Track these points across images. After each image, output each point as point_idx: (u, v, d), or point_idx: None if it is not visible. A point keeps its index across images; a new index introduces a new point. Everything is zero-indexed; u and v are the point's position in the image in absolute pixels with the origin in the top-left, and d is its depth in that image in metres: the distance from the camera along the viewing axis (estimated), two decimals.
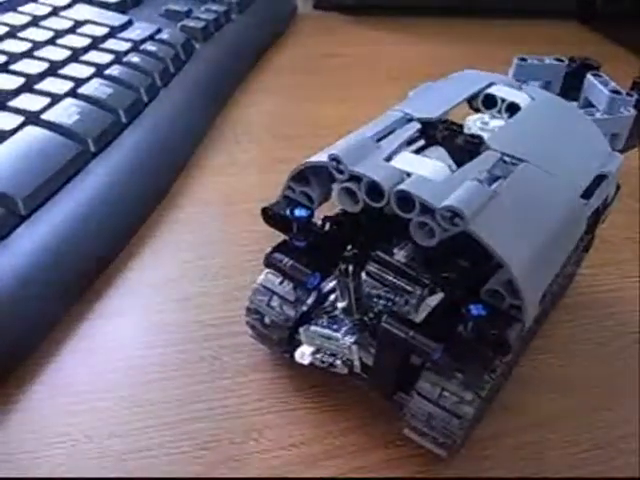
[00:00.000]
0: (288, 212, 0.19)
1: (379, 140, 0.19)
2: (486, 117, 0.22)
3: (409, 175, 0.17)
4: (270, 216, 0.20)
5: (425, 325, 0.18)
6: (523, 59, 0.29)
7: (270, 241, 0.19)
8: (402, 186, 0.16)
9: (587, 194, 0.20)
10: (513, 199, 0.18)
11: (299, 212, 0.19)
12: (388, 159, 0.18)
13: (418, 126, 0.20)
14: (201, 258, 0.27)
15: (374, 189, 0.17)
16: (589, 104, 0.27)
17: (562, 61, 0.29)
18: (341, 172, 0.18)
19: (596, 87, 0.27)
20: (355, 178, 0.17)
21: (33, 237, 0.23)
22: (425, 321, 0.18)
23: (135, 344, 0.23)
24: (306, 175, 0.19)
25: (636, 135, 0.29)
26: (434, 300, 0.20)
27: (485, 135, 0.20)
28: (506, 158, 0.19)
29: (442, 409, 0.18)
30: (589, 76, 0.27)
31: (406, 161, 0.18)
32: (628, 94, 0.27)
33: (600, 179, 0.21)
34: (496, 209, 0.17)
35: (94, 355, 0.22)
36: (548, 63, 0.29)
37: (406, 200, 0.17)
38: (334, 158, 0.17)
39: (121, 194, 0.27)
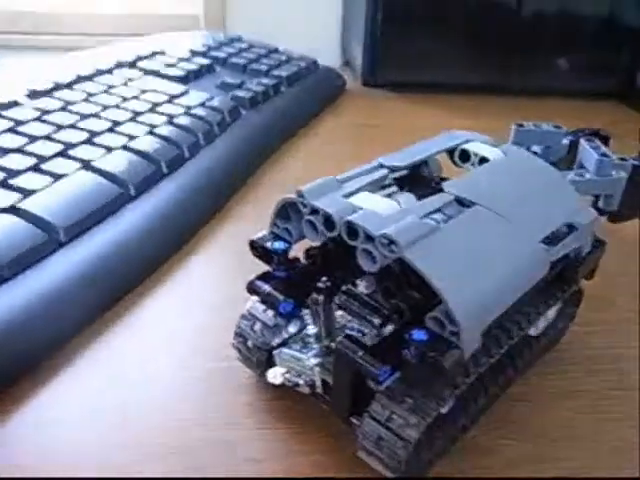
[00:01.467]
0: (269, 245, 0.22)
1: (345, 182, 0.21)
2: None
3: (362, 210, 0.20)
4: (255, 248, 0.22)
5: (375, 348, 0.19)
6: (520, 125, 0.31)
7: None
8: (349, 217, 0.19)
9: (551, 241, 0.22)
10: (460, 236, 0.19)
11: (278, 245, 0.22)
12: (347, 196, 0.20)
13: (385, 172, 0.22)
14: (216, 290, 0.30)
15: (329, 221, 0.19)
16: (581, 167, 0.29)
17: (560, 128, 0.31)
18: (305, 206, 0.20)
19: (587, 151, 0.28)
20: (315, 211, 0.20)
21: (69, 261, 0.27)
22: (376, 345, 0.19)
23: (147, 357, 0.26)
24: (288, 213, 0.22)
25: (637, 206, 0.29)
26: (390, 329, 0.21)
27: None
28: (461, 200, 0.21)
29: (389, 431, 0.19)
30: (582, 141, 0.29)
31: (363, 199, 0.20)
32: (622, 159, 0.28)
33: (570, 229, 0.22)
34: (438, 242, 0.19)
35: (111, 366, 0.25)
36: (545, 129, 0.31)
37: (354, 230, 0.19)
38: (300, 195, 0.20)
39: (151, 233, 0.31)
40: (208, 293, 0.30)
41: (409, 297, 0.20)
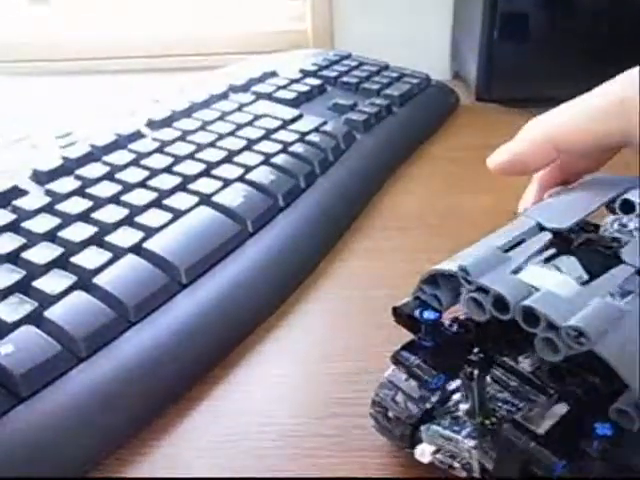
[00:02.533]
0: (417, 313, 0.20)
1: (508, 250, 0.19)
2: (624, 219, 0.21)
3: (536, 289, 0.17)
4: (400, 315, 0.20)
5: (548, 438, 0.17)
6: None
7: (399, 329, 0.20)
8: (528, 302, 0.17)
9: None
10: None
11: (428, 314, 0.19)
12: (516, 272, 0.18)
13: (549, 236, 0.20)
14: (334, 338, 0.28)
15: (500, 302, 0.17)
16: None
17: None
18: (469, 282, 0.18)
19: None
20: (482, 289, 0.18)
21: (191, 303, 0.27)
22: (548, 433, 0.17)
23: (256, 413, 0.25)
24: (436, 279, 0.20)
25: None
26: (559, 410, 0.19)
27: (622, 238, 0.19)
28: None
29: None
30: None
31: (534, 275, 0.18)
32: None
33: None
34: (625, 328, 0.16)
35: (223, 415, 0.24)
36: None
37: (532, 315, 0.17)
38: (463, 269, 0.18)
39: (269, 271, 0.30)
40: (325, 340, 0.29)
41: (586, 381, 0.17)
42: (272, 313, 0.30)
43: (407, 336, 0.21)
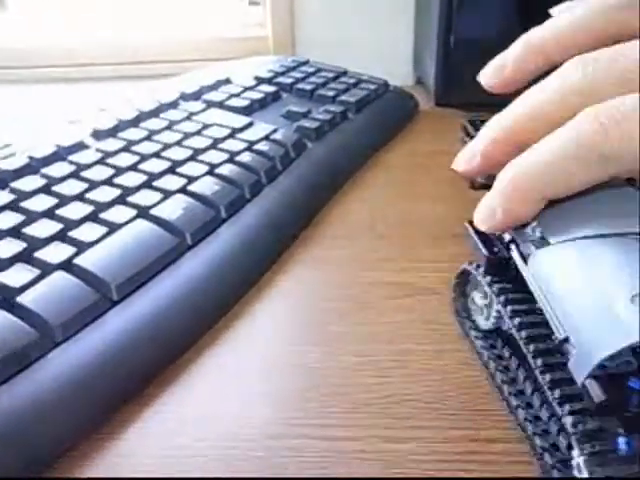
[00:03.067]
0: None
1: None
2: None
3: None
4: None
5: None
6: None
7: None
8: None
9: None
10: None
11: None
12: None
13: None
14: (279, 355, 0.28)
15: None
16: None
17: None
18: None
19: None
20: None
21: (122, 321, 0.26)
22: None
23: (188, 434, 0.24)
24: None
25: None
26: None
27: None
28: None
29: None
30: None
31: None
32: None
33: None
34: None
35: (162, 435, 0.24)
36: None
37: None
38: None
39: (208, 285, 0.29)
40: (272, 349, 0.28)
41: None
42: (211, 327, 0.29)
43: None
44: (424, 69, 0.63)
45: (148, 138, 0.38)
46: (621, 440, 0.18)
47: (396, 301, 0.31)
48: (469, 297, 0.28)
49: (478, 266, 0.25)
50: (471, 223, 0.26)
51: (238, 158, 0.37)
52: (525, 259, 0.22)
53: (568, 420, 0.19)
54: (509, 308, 0.23)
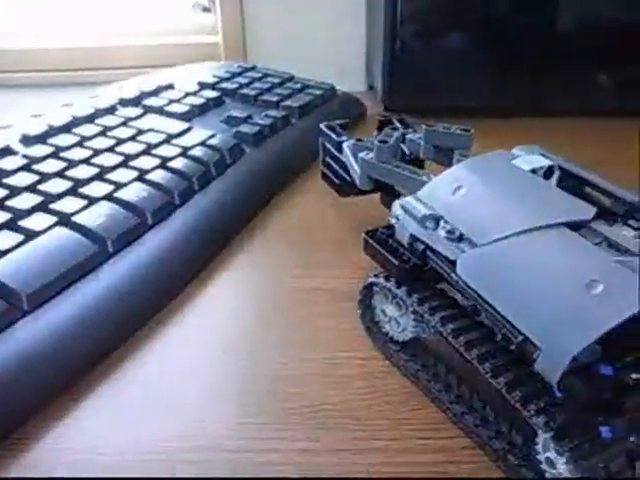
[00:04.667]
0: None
1: None
2: None
3: None
4: None
5: None
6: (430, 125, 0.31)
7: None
8: None
9: None
10: None
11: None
12: None
13: None
14: (196, 360, 0.27)
15: None
16: None
17: (468, 131, 0.30)
18: None
19: None
20: None
21: (31, 332, 0.25)
22: None
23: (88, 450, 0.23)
24: None
25: None
26: None
27: None
28: None
29: None
30: None
31: None
32: None
33: None
34: None
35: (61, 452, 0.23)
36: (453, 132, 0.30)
37: None
38: None
39: (128, 295, 0.29)
40: (197, 356, 0.27)
41: None
42: (132, 335, 0.28)
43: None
44: (374, 76, 0.63)
45: (79, 144, 0.38)
46: (604, 428, 0.18)
47: (321, 307, 0.30)
48: (376, 309, 0.27)
49: (387, 278, 0.25)
50: (369, 233, 0.26)
51: (170, 164, 0.36)
52: (452, 263, 0.22)
53: (539, 420, 0.18)
54: (437, 316, 0.22)
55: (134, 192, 0.33)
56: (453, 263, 0.22)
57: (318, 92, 0.51)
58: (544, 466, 0.20)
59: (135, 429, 0.24)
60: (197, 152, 0.38)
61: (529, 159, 0.25)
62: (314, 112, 0.49)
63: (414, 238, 0.23)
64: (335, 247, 0.35)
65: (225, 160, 0.39)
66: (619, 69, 0.54)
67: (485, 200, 0.22)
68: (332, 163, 0.37)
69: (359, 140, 0.34)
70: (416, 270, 0.24)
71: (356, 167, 0.33)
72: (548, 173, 0.25)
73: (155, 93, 0.46)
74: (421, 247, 0.23)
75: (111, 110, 0.43)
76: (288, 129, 0.45)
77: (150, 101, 0.45)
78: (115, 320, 0.28)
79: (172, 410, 0.25)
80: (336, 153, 0.37)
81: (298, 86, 0.51)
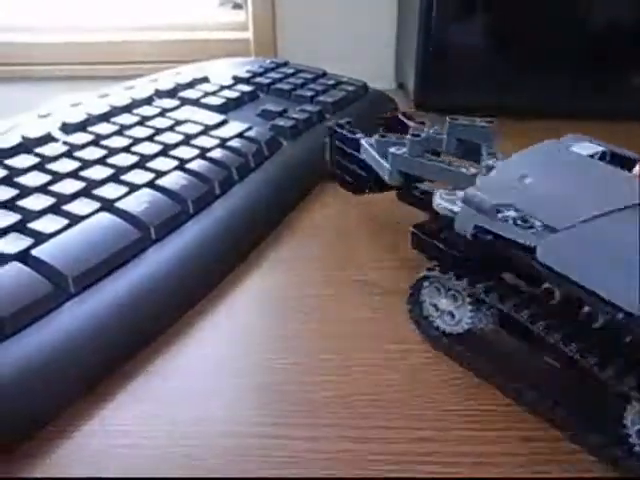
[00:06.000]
0: None
1: None
2: None
3: None
4: None
5: None
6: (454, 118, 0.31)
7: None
8: None
9: None
10: None
11: None
12: None
13: None
14: (240, 355, 0.27)
15: None
16: None
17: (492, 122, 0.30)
18: None
19: None
20: None
21: (77, 315, 0.25)
22: None
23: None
24: None
25: None
26: None
27: None
28: None
29: None
30: None
31: None
32: None
33: None
34: None
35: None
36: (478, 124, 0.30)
37: None
38: None
39: (170, 281, 0.29)
40: (233, 353, 0.27)
41: None
42: (171, 325, 0.28)
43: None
44: (405, 74, 0.63)
45: (119, 133, 0.38)
46: None
47: (364, 299, 0.30)
48: (425, 304, 0.27)
49: (444, 271, 0.25)
50: (418, 227, 0.26)
51: (209, 154, 0.36)
52: (528, 251, 0.21)
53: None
54: (509, 303, 0.22)
55: (175, 180, 0.33)
56: (530, 250, 0.21)
57: (351, 88, 0.51)
58: (634, 439, 0.20)
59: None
60: (235, 143, 0.38)
61: (582, 146, 0.25)
62: (347, 108, 0.49)
63: (480, 229, 0.23)
64: (370, 241, 0.35)
65: (263, 152, 0.39)
66: None
67: (554, 186, 0.22)
68: (344, 162, 0.37)
69: (382, 136, 0.34)
70: (478, 261, 0.24)
71: (384, 163, 0.32)
72: (602, 158, 0.25)
73: (191, 85, 0.47)
74: (487, 237, 0.23)
75: (148, 101, 0.43)
76: (323, 124, 0.45)
77: (186, 93, 0.45)
78: (156, 306, 0.28)
79: (208, 397, 0.24)
80: (349, 151, 0.36)
81: (331, 82, 0.51)
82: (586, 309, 0.21)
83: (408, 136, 0.31)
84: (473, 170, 0.28)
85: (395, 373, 0.25)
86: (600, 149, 0.25)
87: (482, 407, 0.24)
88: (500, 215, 0.22)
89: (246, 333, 0.28)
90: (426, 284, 0.26)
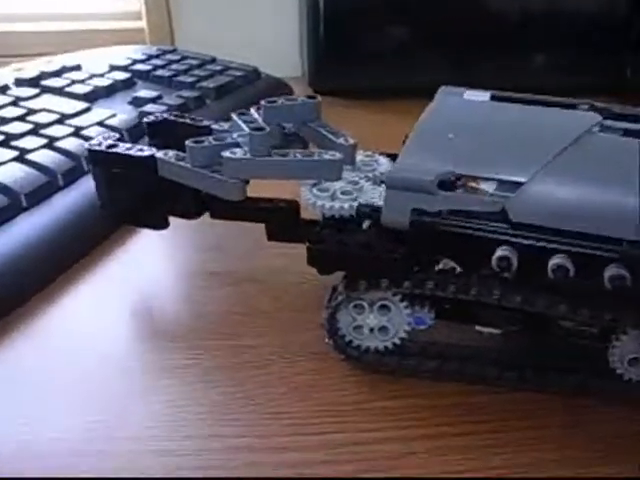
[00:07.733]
0: None
1: None
2: None
3: None
4: None
5: None
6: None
7: None
8: None
9: None
10: None
11: None
12: None
13: None
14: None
15: None
16: None
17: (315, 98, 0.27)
18: None
19: None
20: None
21: None
22: None
23: None
24: None
25: None
26: None
27: None
28: None
29: None
30: None
31: None
32: None
33: None
34: None
35: None
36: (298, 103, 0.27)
37: None
38: None
39: (39, 249, 0.28)
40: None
41: None
42: (33, 294, 0.27)
43: None
44: (304, 60, 0.61)
45: None
46: None
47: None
48: (342, 323, 0.22)
49: (369, 282, 0.21)
50: (311, 242, 0.22)
51: (57, 144, 0.33)
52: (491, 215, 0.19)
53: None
54: (475, 289, 0.20)
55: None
56: (493, 214, 0.19)
57: (239, 74, 0.48)
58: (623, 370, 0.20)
59: None
60: (91, 133, 0.35)
61: (470, 94, 0.25)
62: (233, 93, 0.46)
63: (419, 212, 0.20)
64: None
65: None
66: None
67: (485, 139, 0.21)
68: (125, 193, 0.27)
69: (197, 142, 0.25)
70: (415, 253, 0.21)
71: (215, 175, 0.24)
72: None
73: (57, 74, 0.43)
74: (428, 219, 0.20)
75: (3, 89, 0.40)
76: (203, 109, 0.43)
77: (50, 82, 0.42)
78: (19, 275, 0.27)
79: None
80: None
81: (218, 68, 0.49)
82: (555, 261, 0.18)
83: (246, 131, 0.25)
84: (338, 155, 0.24)
85: None
86: (487, 93, 0.25)
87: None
88: (442, 188, 0.19)
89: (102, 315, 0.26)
90: (344, 306, 0.22)
